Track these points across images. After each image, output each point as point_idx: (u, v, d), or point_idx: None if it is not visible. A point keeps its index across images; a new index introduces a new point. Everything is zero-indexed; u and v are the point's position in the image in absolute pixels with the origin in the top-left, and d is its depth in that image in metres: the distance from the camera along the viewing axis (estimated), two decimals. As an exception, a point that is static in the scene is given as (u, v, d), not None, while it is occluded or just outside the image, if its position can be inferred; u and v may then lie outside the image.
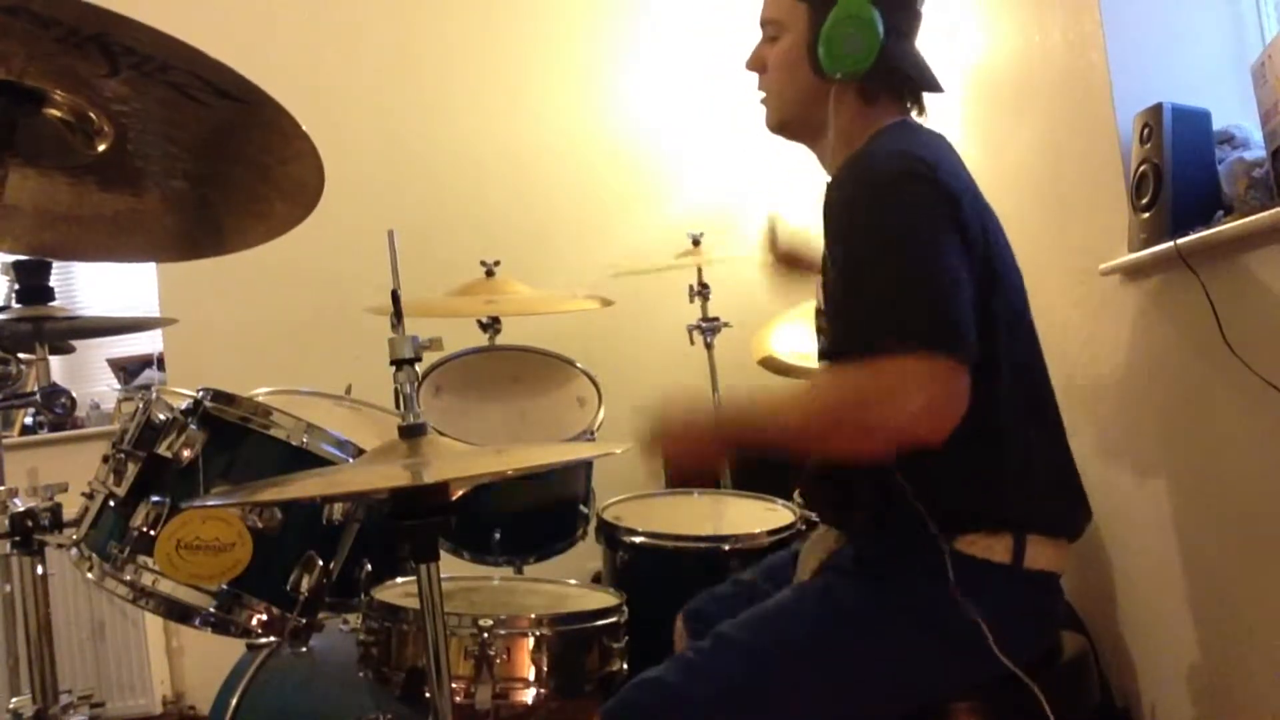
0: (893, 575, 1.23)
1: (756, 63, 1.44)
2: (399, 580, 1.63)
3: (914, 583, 1.21)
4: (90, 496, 1.56)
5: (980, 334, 1.15)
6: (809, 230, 1.49)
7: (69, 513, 1.59)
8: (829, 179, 1.35)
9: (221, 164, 1.20)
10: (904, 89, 1.37)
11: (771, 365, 2.56)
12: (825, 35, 1.30)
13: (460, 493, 1.16)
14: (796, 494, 2.04)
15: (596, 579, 2.06)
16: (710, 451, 1.32)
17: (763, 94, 1.44)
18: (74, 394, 1.71)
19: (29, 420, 3.39)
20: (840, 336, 1.23)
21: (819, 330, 1.41)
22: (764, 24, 1.42)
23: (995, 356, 1.19)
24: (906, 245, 1.17)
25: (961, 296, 1.15)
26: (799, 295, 1.84)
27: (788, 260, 1.71)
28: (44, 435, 3.33)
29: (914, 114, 1.38)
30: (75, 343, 2.61)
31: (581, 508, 2.04)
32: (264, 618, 1.47)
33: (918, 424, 1.09)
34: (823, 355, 1.41)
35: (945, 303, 1.14)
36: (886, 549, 1.23)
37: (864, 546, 1.27)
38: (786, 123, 1.42)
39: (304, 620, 1.49)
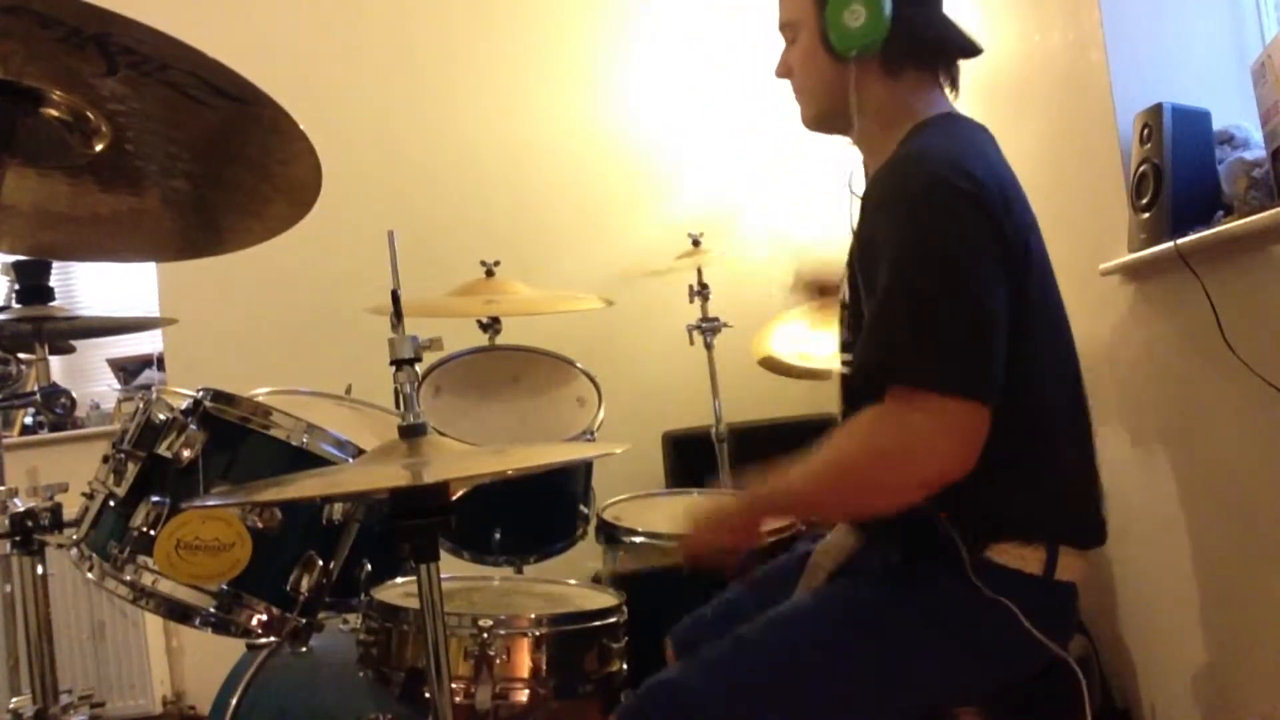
0: (919, 580, 1.21)
1: (783, 68, 1.42)
2: (399, 580, 1.63)
3: (940, 588, 1.20)
4: (90, 496, 1.56)
5: (1020, 345, 1.14)
6: (832, 262, 1.46)
7: (69, 513, 1.59)
8: (872, 173, 1.32)
9: (221, 164, 1.20)
10: (929, 58, 1.33)
11: (771, 365, 2.56)
12: (830, 16, 1.29)
13: (460, 492, 1.16)
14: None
15: (596, 579, 2.06)
16: (741, 533, 1.30)
17: (796, 95, 1.43)
18: (74, 394, 1.71)
19: (29, 420, 3.39)
20: (869, 353, 1.19)
21: (845, 325, 1.38)
22: (781, 29, 1.41)
23: (1036, 364, 1.18)
24: (946, 274, 1.15)
25: (995, 334, 1.13)
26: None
27: (820, 291, 1.70)
28: (44, 435, 3.33)
29: (947, 88, 1.35)
30: (75, 343, 2.61)
31: (581, 508, 2.04)
32: (264, 618, 1.47)
33: (943, 472, 1.11)
34: (844, 348, 1.39)
35: (978, 343, 1.12)
36: (914, 554, 1.22)
37: (890, 550, 1.26)
38: (818, 116, 1.40)
39: (304, 620, 1.49)
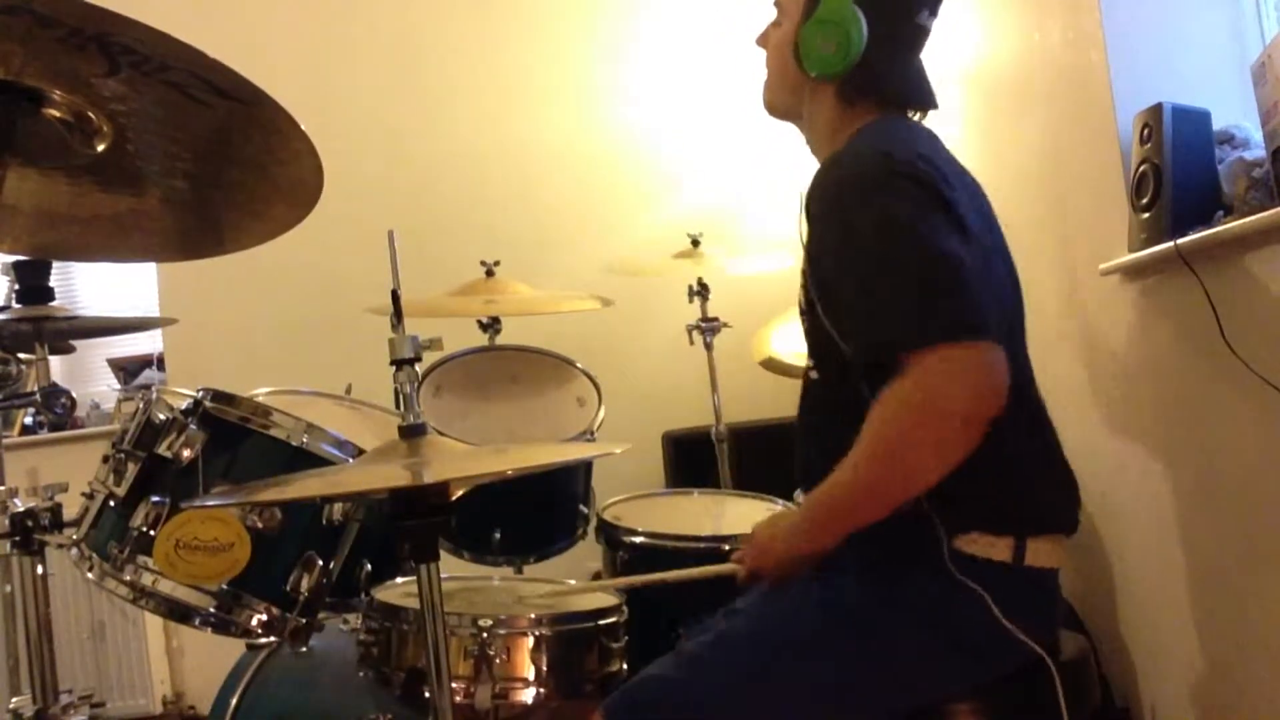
0: (893, 574, 1.22)
1: (762, 39, 1.46)
2: (399, 580, 1.63)
3: (914, 581, 1.21)
4: (90, 496, 1.56)
5: None
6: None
7: (69, 513, 1.59)
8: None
9: (221, 164, 1.20)
10: (885, 99, 1.35)
11: (772, 366, 2.56)
12: (805, 31, 1.33)
13: (460, 493, 1.16)
14: (797, 494, 2.04)
15: (596, 579, 2.06)
16: (800, 551, 1.28)
17: (766, 71, 1.46)
18: (74, 394, 1.71)
19: (29, 420, 3.39)
20: (861, 346, 1.19)
21: (806, 332, 1.40)
22: (775, 5, 1.44)
23: None
24: (898, 239, 1.15)
25: (967, 275, 1.13)
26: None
27: None
28: (44, 435, 3.33)
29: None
30: (75, 343, 2.61)
31: (581, 508, 2.04)
32: (264, 618, 1.47)
33: (973, 412, 1.09)
34: (811, 354, 1.40)
35: (953, 287, 1.12)
36: (886, 547, 1.23)
37: (862, 544, 1.27)
38: (772, 106, 1.45)
39: (304, 620, 1.49)
